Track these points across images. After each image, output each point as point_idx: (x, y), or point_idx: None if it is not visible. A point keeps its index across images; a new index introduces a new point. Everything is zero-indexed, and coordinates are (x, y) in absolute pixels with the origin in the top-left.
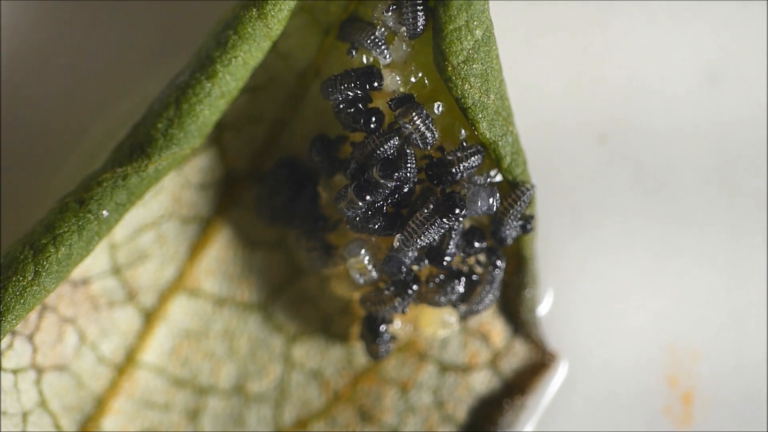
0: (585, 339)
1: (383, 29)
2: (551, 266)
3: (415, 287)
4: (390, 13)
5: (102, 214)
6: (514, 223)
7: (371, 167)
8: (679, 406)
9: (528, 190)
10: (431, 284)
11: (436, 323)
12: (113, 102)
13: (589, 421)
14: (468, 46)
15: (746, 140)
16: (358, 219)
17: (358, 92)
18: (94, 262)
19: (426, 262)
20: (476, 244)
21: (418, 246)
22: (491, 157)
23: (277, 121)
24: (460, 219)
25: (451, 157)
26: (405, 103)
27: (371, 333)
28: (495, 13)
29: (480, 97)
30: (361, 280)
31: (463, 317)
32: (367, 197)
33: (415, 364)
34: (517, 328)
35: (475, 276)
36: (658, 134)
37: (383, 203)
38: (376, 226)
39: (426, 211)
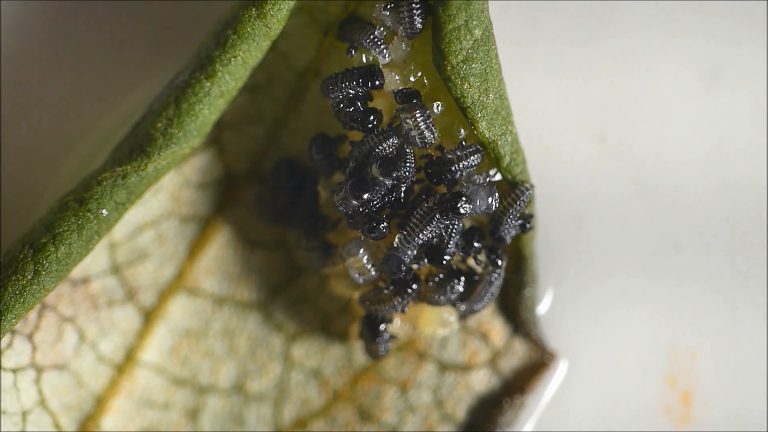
0: (585, 338)
1: (382, 29)
2: (551, 266)
3: (414, 286)
4: (387, 12)
5: (102, 213)
6: (514, 222)
7: (370, 166)
8: (678, 405)
9: (527, 189)
10: (431, 283)
11: (435, 322)
12: (113, 102)
13: (589, 420)
14: (467, 46)
15: (746, 140)
16: (353, 216)
17: (359, 91)
18: (94, 261)
19: (425, 261)
20: (476, 244)
21: (419, 242)
22: (490, 156)
23: (277, 120)
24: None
25: (450, 156)
26: (411, 98)
27: (371, 332)
28: (494, 13)
29: (479, 96)
30: (361, 280)
31: (463, 316)
32: (364, 195)
33: (414, 363)
34: (517, 328)
35: (475, 275)
36: (658, 134)
37: (381, 203)
38: (373, 228)
39: (428, 205)
